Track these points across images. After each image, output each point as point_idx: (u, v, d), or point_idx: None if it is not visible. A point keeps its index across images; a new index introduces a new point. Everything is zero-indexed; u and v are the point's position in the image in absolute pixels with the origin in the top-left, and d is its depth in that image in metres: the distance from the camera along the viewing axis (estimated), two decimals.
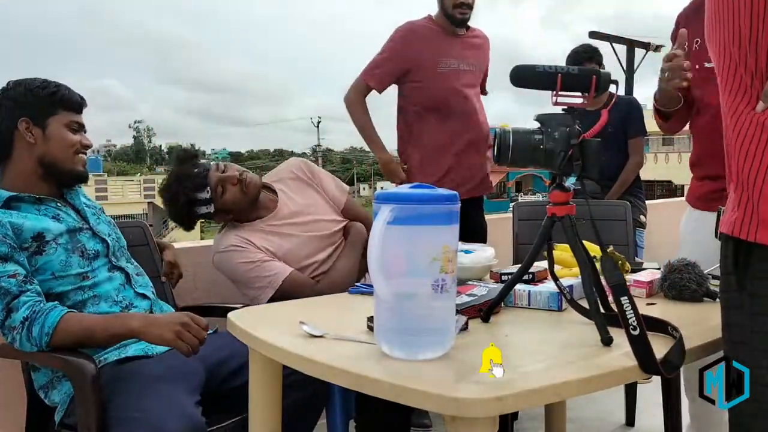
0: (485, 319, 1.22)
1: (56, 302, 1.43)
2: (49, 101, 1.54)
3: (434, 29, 2.53)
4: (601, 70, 1.10)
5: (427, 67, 2.49)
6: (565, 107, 1.09)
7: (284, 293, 1.76)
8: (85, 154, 1.62)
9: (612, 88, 1.10)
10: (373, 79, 2.52)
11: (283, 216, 1.92)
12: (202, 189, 1.81)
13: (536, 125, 1.11)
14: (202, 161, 1.89)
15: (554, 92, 1.07)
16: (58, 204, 1.56)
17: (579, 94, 1.09)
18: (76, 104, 1.59)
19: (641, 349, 0.95)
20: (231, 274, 1.85)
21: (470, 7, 2.51)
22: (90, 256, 1.55)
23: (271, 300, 1.80)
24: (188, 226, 1.92)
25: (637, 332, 0.96)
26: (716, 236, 1.72)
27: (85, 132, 1.62)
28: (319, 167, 2.12)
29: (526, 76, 1.09)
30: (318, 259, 1.92)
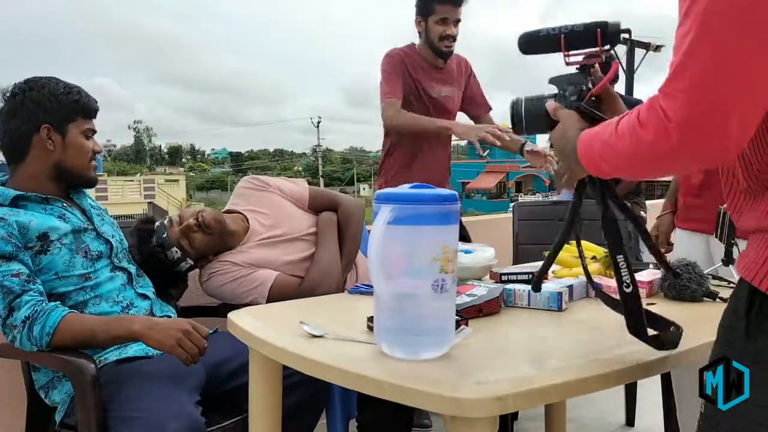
0: (536, 288, 1.20)
1: (58, 302, 1.43)
2: (72, 108, 1.53)
3: (417, 59, 2.55)
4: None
5: (408, 92, 2.51)
6: (578, 66, 1.07)
7: (273, 299, 1.75)
8: (95, 159, 1.62)
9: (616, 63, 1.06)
10: (392, 94, 2.51)
11: (259, 232, 1.88)
12: (170, 248, 1.76)
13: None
14: (157, 223, 1.81)
15: (564, 53, 1.05)
16: (65, 204, 1.56)
17: (591, 49, 1.06)
18: (94, 111, 1.60)
19: (631, 307, 0.95)
20: (221, 297, 1.84)
21: (455, 39, 2.52)
22: (93, 256, 1.55)
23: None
24: (184, 284, 1.89)
25: (630, 290, 0.95)
26: (716, 236, 1.72)
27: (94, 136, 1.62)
28: (269, 177, 2.09)
29: (532, 41, 1.07)
30: (301, 257, 1.88)
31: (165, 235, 1.76)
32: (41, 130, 1.50)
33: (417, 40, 2.57)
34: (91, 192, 1.73)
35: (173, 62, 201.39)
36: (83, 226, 1.56)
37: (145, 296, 1.64)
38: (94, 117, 1.61)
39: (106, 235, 1.61)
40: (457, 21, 2.48)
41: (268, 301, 1.75)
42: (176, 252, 1.77)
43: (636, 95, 9.68)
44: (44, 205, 1.52)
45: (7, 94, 1.52)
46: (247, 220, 1.90)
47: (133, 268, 1.67)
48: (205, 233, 1.78)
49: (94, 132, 1.60)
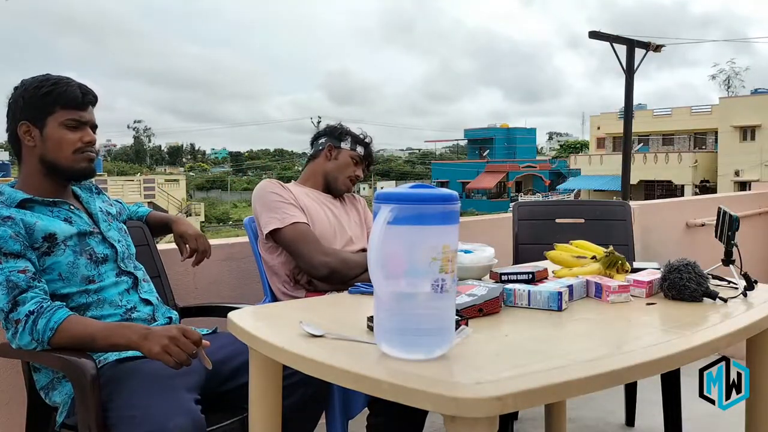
0: None
1: (62, 302, 1.44)
2: (45, 101, 1.52)
3: None
4: None
5: None
6: None
7: (290, 239, 1.91)
8: (92, 151, 1.58)
9: None
10: None
11: (326, 199, 2.11)
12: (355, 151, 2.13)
13: None
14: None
15: None
16: (72, 207, 1.57)
17: None
18: (74, 100, 1.54)
19: None
20: (257, 194, 2.02)
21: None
22: (98, 260, 1.56)
23: (276, 241, 1.94)
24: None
25: None
26: (716, 236, 1.72)
27: (92, 128, 1.58)
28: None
29: None
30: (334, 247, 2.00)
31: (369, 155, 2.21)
32: (20, 127, 1.52)
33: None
34: None
35: (126, 54, 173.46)
36: (89, 229, 1.57)
37: (148, 302, 1.64)
38: (81, 107, 1.55)
39: (112, 239, 1.61)
40: None
41: (281, 236, 1.91)
42: (354, 160, 2.17)
43: (635, 94, 9.66)
44: (51, 208, 1.53)
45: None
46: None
47: (140, 273, 1.66)
48: (348, 185, 2.15)
49: (83, 122, 1.55)
